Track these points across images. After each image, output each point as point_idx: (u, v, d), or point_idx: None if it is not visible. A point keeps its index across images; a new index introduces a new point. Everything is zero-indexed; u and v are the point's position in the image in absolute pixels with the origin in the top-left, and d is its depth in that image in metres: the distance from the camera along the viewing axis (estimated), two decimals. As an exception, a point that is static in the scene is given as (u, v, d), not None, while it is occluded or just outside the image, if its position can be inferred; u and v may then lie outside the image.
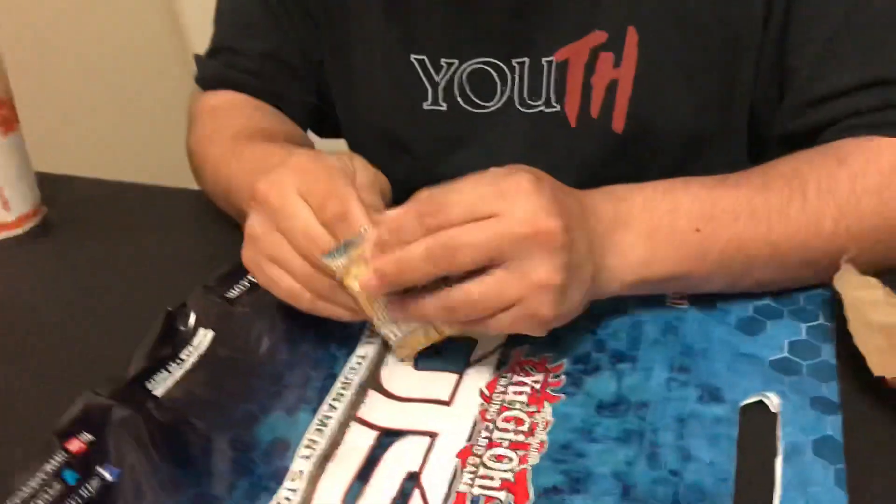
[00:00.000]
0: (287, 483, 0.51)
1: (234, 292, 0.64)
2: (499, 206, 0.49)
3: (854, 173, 0.56)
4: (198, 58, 0.85)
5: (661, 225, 0.55)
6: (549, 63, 0.68)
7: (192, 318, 0.62)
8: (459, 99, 0.72)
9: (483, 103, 0.72)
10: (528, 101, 0.70)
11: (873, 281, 0.56)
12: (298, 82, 0.82)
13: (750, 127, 0.71)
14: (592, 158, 0.71)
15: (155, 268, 0.74)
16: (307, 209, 0.53)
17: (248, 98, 0.81)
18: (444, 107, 0.73)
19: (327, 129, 0.88)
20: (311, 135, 0.88)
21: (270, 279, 0.56)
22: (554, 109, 0.70)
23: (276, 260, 0.55)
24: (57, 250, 0.79)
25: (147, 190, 0.87)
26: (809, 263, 0.57)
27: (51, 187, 0.85)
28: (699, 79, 0.67)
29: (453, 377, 0.57)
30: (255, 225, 0.56)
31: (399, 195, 0.77)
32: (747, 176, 0.57)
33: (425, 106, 0.73)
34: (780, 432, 0.50)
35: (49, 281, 0.75)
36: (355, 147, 0.84)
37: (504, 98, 0.71)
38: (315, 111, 0.84)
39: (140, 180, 0.88)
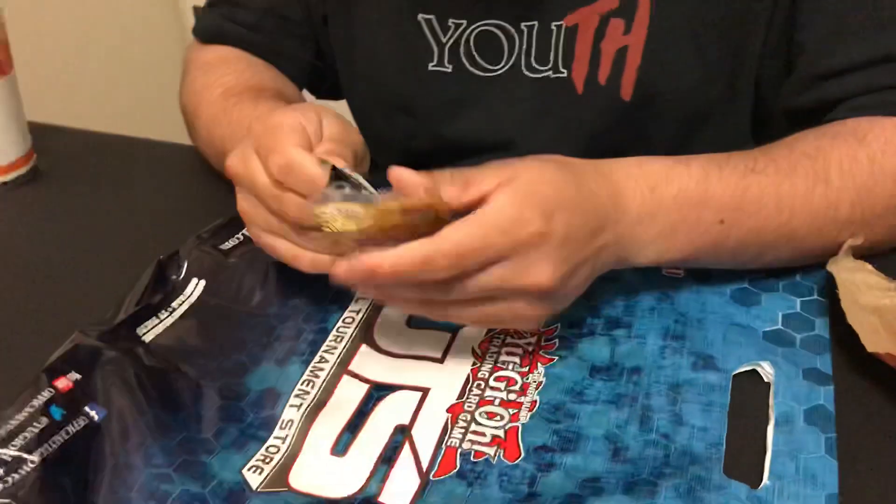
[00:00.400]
0: (276, 431, 0.51)
1: (228, 244, 0.64)
2: (511, 257, 0.47)
3: (873, 154, 0.57)
4: (196, 9, 0.84)
5: (686, 219, 0.53)
6: (559, 27, 0.68)
7: (184, 268, 0.62)
8: (465, 61, 0.71)
9: (489, 66, 0.71)
10: (535, 66, 0.70)
11: (867, 266, 0.56)
12: (298, 40, 0.81)
13: (755, 100, 0.71)
14: (598, 125, 0.71)
15: (146, 219, 0.73)
16: (262, 172, 0.53)
17: (242, 54, 0.80)
18: (449, 68, 0.72)
19: (325, 90, 0.87)
20: (308, 96, 0.87)
21: (270, 247, 0.55)
22: (561, 75, 0.70)
23: (268, 229, 0.55)
24: (47, 199, 0.78)
25: (141, 143, 0.86)
26: (821, 247, 0.57)
27: (43, 137, 0.84)
28: (708, 49, 0.67)
29: (446, 336, 0.57)
30: (241, 201, 0.55)
31: (400, 157, 0.77)
32: (775, 159, 0.56)
33: (430, 66, 0.72)
34: (772, 401, 0.50)
35: (39, 228, 0.74)
36: (356, 108, 0.83)
37: (511, 62, 0.70)
38: (313, 70, 0.83)
39: (134, 134, 0.87)
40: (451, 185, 0.48)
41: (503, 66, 0.70)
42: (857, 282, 0.55)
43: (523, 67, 0.70)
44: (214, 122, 0.72)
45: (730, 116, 0.71)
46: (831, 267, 0.55)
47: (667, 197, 0.53)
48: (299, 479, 0.48)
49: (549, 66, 0.69)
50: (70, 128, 0.89)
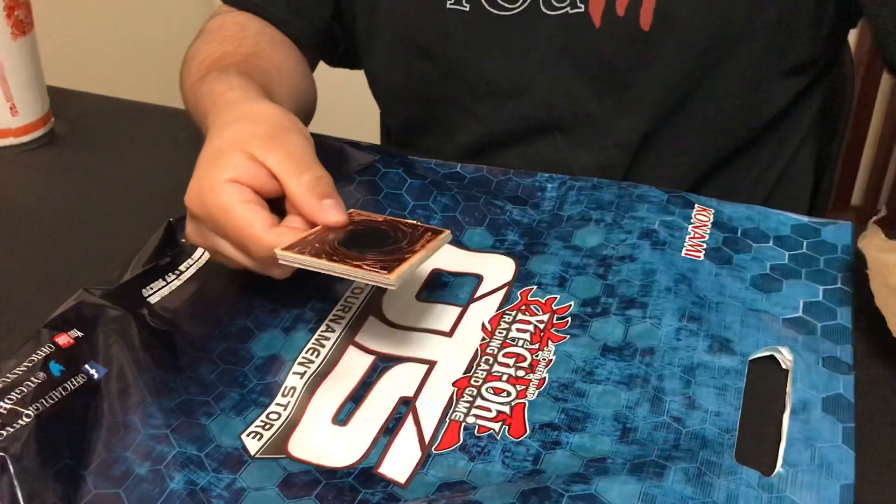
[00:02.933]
0: (278, 398, 0.50)
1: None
2: None
3: None
4: None
5: None
6: None
7: None
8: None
9: (506, 4, 0.70)
10: (553, 3, 0.69)
11: None
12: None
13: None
14: (617, 59, 0.70)
15: (159, 184, 0.73)
16: (228, 245, 0.53)
17: (246, 21, 0.77)
18: (466, 7, 0.71)
19: (339, 57, 0.85)
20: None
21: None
22: (578, 10, 0.69)
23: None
24: (62, 162, 0.77)
25: (159, 111, 0.85)
26: None
27: (61, 101, 0.84)
28: None
29: (456, 310, 0.56)
30: (191, 233, 0.56)
31: (414, 106, 0.77)
32: None
33: (448, 5, 0.72)
34: (789, 388, 0.48)
35: (53, 189, 0.73)
36: (373, 63, 0.82)
37: (528, 1, 0.70)
38: (329, 32, 0.81)
39: (152, 101, 0.86)
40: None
41: (521, 5, 0.70)
42: (888, 263, 0.53)
43: (542, 4, 0.69)
44: (190, 93, 0.70)
45: (752, 47, 0.70)
46: (862, 244, 0.53)
47: None
48: (298, 447, 0.47)
49: (567, 1, 0.69)
50: (88, 93, 0.89)
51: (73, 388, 0.48)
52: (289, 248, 0.50)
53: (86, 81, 0.93)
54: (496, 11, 0.71)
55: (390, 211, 0.63)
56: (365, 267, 0.48)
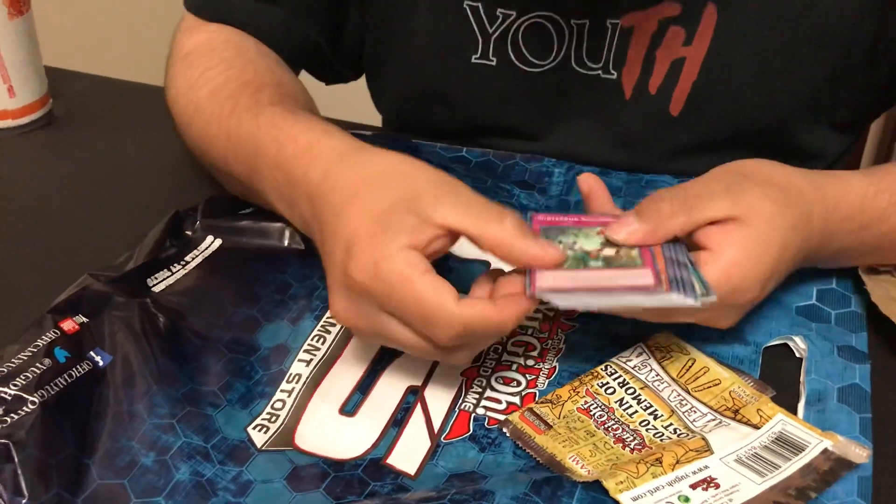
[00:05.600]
0: (283, 385, 0.49)
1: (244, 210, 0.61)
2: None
3: None
4: None
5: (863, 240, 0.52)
6: (614, 26, 0.62)
7: (199, 225, 0.60)
8: (512, 54, 0.65)
9: (536, 61, 0.65)
10: (587, 62, 0.64)
11: None
12: (318, 17, 0.69)
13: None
14: (640, 135, 0.66)
15: (161, 168, 0.71)
16: (405, 330, 0.45)
17: (230, 36, 0.66)
18: (493, 61, 0.66)
19: (332, 77, 0.77)
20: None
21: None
22: (610, 77, 0.64)
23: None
24: (62, 144, 0.76)
25: (160, 91, 0.84)
26: None
27: (60, 82, 0.82)
28: (775, 73, 0.62)
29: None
30: (345, 311, 0.47)
31: (420, 136, 0.72)
32: None
33: (473, 59, 0.66)
34: (804, 377, 0.48)
35: (53, 173, 0.72)
36: (381, 92, 0.76)
37: (560, 57, 0.64)
38: (318, 55, 0.72)
39: (152, 82, 0.85)
40: (669, 205, 0.47)
41: (551, 62, 0.65)
42: (889, 281, 0.52)
43: (573, 62, 0.65)
44: (207, 135, 0.60)
45: (789, 136, 0.66)
46: (861, 270, 0.53)
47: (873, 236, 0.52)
48: (305, 439, 0.46)
49: (601, 64, 0.64)
50: (87, 73, 0.87)
51: (78, 374, 0.47)
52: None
53: (85, 62, 0.92)
54: (526, 68, 0.66)
55: None
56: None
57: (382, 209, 0.45)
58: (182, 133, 0.65)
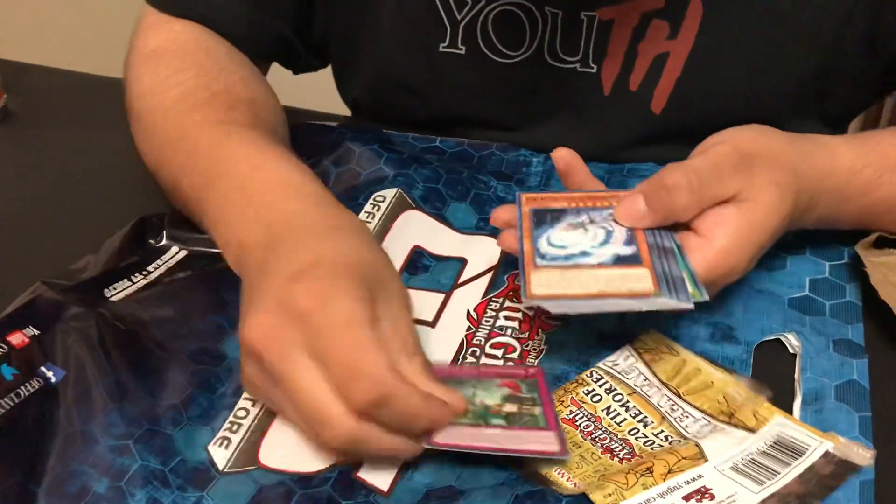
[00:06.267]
0: (246, 392, 0.46)
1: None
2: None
3: None
4: None
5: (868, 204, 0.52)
6: (591, 18, 0.59)
7: (165, 233, 0.57)
8: (482, 43, 0.62)
9: (508, 51, 0.62)
10: (561, 55, 0.61)
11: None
12: (281, 9, 0.66)
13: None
14: (619, 132, 0.64)
15: (123, 167, 0.68)
16: (322, 386, 0.40)
17: (199, 35, 0.63)
18: (462, 50, 0.63)
19: (301, 66, 0.73)
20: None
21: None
22: (589, 70, 0.61)
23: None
24: (17, 141, 0.73)
25: (120, 84, 0.80)
26: None
27: (13, 76, 0.79)
28: (763, 68, 0.59)
29: (439, 297, 0.52)
30: (251, 376, 0.43)
31: (391, 127, 0.69)
32: None
33: (441, 47, 0.63)
34: (799, 376, 0.45)
35: (7, 172, 0.69)
36: (349, 83, 0.73)
37: (533, 48, 0.62)
38: (287, 47, 0.69)
39: (113, 74, 0.81)
40: (686, 198, 0.46)
41: (523, 53, 0.62)
42: (887, 263, 0.50)
43: (546, 54, 0.62)
44: (168, 144, 0.57)
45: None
46: (860, 249, 0.51)
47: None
48: (270, 455, 0.43)
49: (578, 57, 0.61)
50: (43, 66, 0.84)
51: (26, 393, 0.44)
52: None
53: (40, 54, 0.88)
54: (497, 58, 0.63)
55: (370, 190, 0.59)
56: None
57: (360, 258, 0.44)
58: (137, 133, 0.62)
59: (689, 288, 0.43)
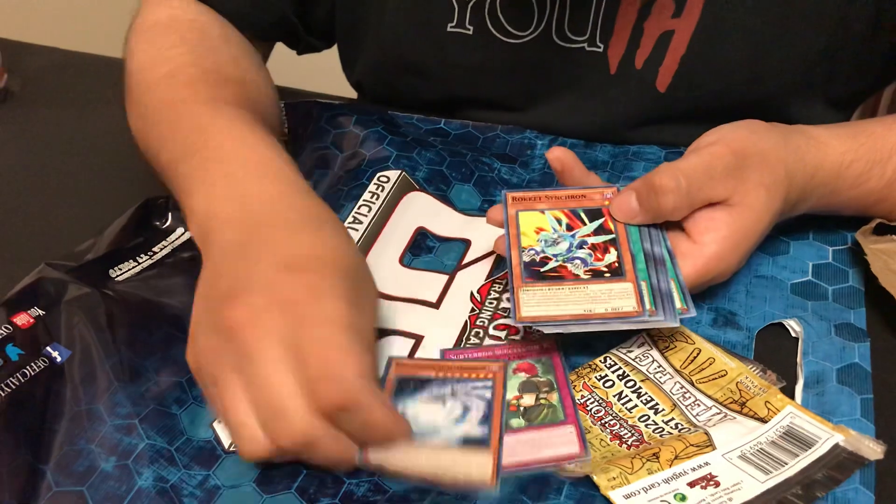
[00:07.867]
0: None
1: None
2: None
3: None
4: None
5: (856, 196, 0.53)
6: None
7: (170, 215, 0.57)
8: (489, 23, 0.62)
9: (516, 31, 0.62)
10: (569, 35, 0.61)
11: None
12: None
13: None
14: (624, 110, 0.63)
15: (124, 144, 0.68)
16: (289, 379, 0.39)
17: (197, 18, 0.63)
18: (469, 30, 0.63)
19: (304, 47, 0.72)
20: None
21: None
22: (596, 49, 0.61)
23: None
24: (19, 122, 0.73)
25: (122, 64, 0.80)
26: None
27: (15, 55, 0.78)
28: (768, 47, 0.59)
29: (442, 278, 0.52)
30: (207, 349, 0.41)
31: (397, 109, 0.69)
32: None
33: (449, 27, 0.63)
34: (801, 359, 0.46)
35: (9, 152, 0.68)
36: (355, 64, 0.73)
37: (540, 28, 0.61)
38: (288, 27, 0.68)
39: (115, 54, 0.81)
40: (674, 200, 0.47)
41: (531, 33, 0.62)
42: (887, 250, 0.50)
43: (554, 34, 0.62)
44: (152, 116, 0.57)
45: (781, 106, 0.63)
46: (860, 236, 0.51)
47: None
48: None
49: (585, 37, 0.61)
50: (44, 45, 0.83)
51: (32, 373, 0.44)
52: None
53: (41, 34, 0.88)
54: (505, 39, 0.63)
55: (372, 171, 0.59)
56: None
57: (347, 256, 0.44)
58: (128, 106, 0.61)
59: (678, 304, 0.44)
